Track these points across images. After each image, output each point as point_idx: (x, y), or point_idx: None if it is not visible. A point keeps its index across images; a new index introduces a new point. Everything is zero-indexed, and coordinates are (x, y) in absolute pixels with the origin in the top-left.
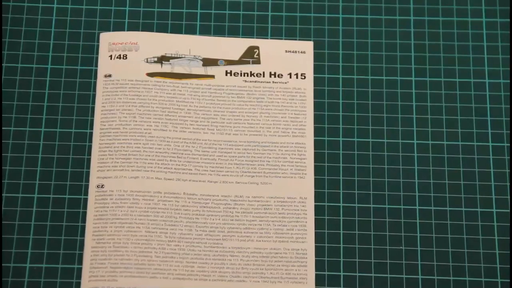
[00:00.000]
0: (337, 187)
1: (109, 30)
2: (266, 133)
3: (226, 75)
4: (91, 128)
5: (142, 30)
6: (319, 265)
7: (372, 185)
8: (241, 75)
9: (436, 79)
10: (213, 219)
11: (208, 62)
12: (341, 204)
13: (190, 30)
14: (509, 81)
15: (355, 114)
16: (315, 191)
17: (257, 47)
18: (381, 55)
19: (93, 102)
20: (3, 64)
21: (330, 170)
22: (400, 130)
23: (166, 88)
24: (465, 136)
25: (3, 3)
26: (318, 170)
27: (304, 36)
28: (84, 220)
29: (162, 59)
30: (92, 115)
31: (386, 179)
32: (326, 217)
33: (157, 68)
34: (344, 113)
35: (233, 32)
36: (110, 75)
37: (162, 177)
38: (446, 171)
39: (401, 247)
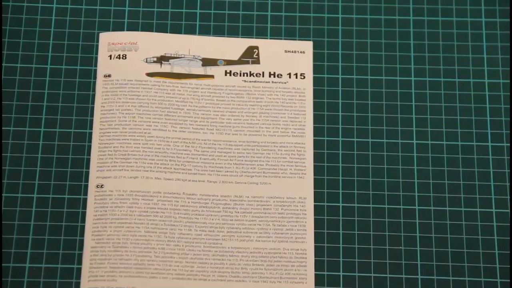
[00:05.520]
0: (336, 187)
1: (108, 30)
2: (265, 133)
3: (226, 75)
4: (91, 128)
5: (141, 30)
6: (318, 265)
7: (371, 185)
8: (240, 75)
9: (435, 79)
10: (213, 219)
11: (208, 62)
12: (340, 204)
13: (190, 30)
14: (509, 81)
15: (355, 114)
16: (314, 191)
17: (257, 47)
18: (381, 55)
19: (93, 102)
20: (3, 64)
21: (329, 170)
22: (400, 130)
23: (165, 88)
24: (465, 136)
25: (3, 3)
26: (317, 170)
27: (303, 36)
28: (83, 220)
29: (161, 59)
30: (92, 115)
31: (386, 179)
32: (325, 217)
33: (156, 68)
34: (344, 113)
35: (233, 32)
36: (109, 75)
37: (161, 177)
38: (446, 171)
39: (400, 247)
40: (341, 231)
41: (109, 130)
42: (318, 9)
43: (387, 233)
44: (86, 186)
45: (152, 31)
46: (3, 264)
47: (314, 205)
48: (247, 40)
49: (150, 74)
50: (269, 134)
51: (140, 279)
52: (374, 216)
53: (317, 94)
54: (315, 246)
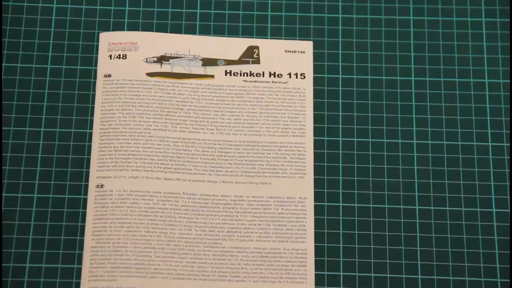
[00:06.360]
0: (336, 187)
1: (108, 30)
2: (265, 133)
3: (226, 75)
4: (91, 128)
5: (141, 30)
6: (318, 265)
7: (371, 185)
8: (240, 75)
9: (435, 79)
10: (213, 219)
11: (208, 62)
12: (340, 204)
13: (190, 30)
14: (509, 81)
15: (355, 114)
16: (314, 191)
17: (257, 47)
18: (381, 55)
19: (93, 102)
20: (3, 64)
21: (329, 170)
22: (400, 130)
23: (165, 88)
24: (465, 136)
25: (3, 3)
26: (317, 170)
27: (303, 36)
28: (83, 220)
29: (161, 59)
30: (92, 115)
31: (386, 179)
32: (325, 217)
33: (156, 68)
34: (344, 113)
35: (233, 32)
36: (109, 75)
37: (161, 177)
38: (446, 171)
39: (400, 247)
40: (341, 231)
41: (109, 130)
42: (318, 9)
43: (387, 233)
44: (86, 186)
45: (152, 31)
46: (3, 264)
47: (314, 205)
48: (247, 40)
49: (150, 74)
50: (269, 134)
51: (140, 279)
52: (374, 216)
53: (317, 94)
54: (315, 246)
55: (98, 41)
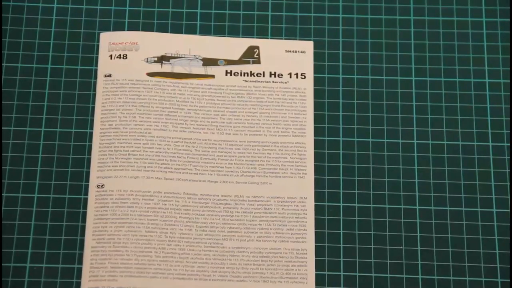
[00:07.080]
0: (337, 187)
1: (109, 30)
2: (266, 133)
3: (226, 75)
4: (91, 128)
5: (142, 30)
6: (319, 265)
7: (372, 185)
8: (241, 75)
9: (436, 79)
10: (213, 219)
11: (208, 62)
12: (341, 204)
13: (190, 30)
14: (509, 81)
15: (355, 114)
16: (315, 191)
17: (257, 47)
18: (381, 55)
19: (93, 102)
20: (3, 64)
21: (330, 170)
22: (400, 130)
23: (166, 88)
24: (465, 136)
25: (3, 3)
26: (318, 170)
27: (304, 36)
28: (84, 220)
29: (162, 59)
30: (92, 115)
31: (386, 179)
32: (326, 217)
33: (157, 68)
34: (344, 113)
35: (233, 32)
36: (110, 75)
37: (162, 177)
38: (446, 171)
39: (401, 247)
40: (341, 231)
41: (110, 130)
42: (318, 9)
43: (387, 233)
44: (87, 186)
45: (152, 30)
46: (3, 264)
47: (315, 205)
48: (248, 40)
49: (150, 74)
50: (269, 134)
51: (140, 279)
52: (375, 216)
53: (317, 94)
54: (315, 246)
55: (98, 41)
